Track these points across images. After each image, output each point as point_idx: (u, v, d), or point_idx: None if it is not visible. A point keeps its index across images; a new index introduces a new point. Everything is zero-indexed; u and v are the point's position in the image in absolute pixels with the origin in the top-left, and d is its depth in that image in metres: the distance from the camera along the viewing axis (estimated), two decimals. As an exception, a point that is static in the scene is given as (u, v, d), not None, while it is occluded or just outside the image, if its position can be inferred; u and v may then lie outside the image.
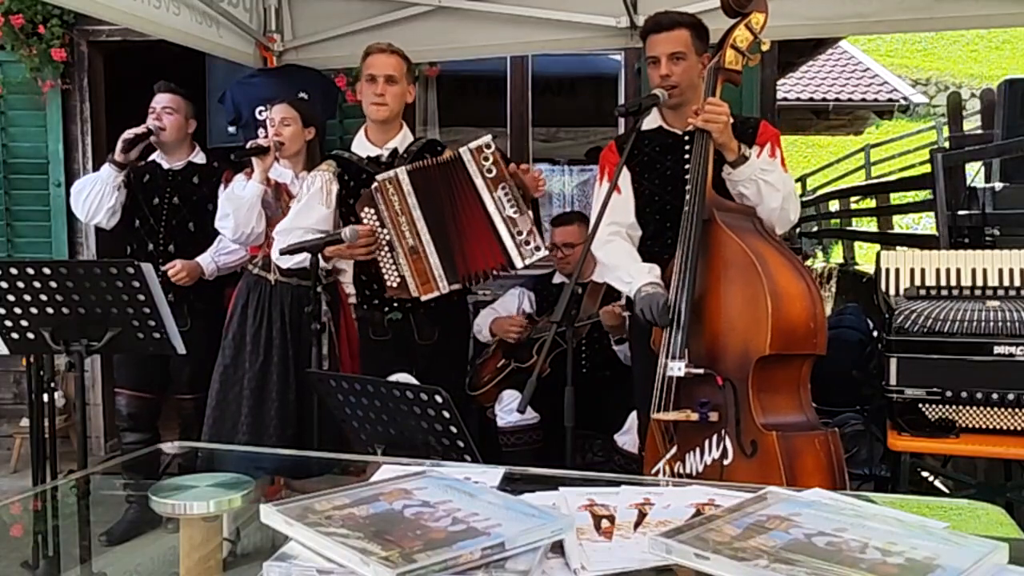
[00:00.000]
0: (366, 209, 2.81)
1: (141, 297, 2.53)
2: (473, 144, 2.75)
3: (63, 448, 3.90)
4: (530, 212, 2.79)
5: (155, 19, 3.27)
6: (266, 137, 3.26)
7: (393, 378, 2.48)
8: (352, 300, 3.22)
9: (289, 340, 3.27)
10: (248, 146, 3.21)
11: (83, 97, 4.79)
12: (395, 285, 2.83)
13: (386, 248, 2.81)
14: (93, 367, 4.77)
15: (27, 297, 2.54)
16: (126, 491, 1.80)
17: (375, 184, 2.79)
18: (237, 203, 3.20)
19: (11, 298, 2.55)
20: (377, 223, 2.80)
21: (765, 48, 2.46)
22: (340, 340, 3.34)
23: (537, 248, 2.78)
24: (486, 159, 2.73)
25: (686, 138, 2.56)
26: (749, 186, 2.42)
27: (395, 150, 2.95)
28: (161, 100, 3.56)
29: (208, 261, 3.50)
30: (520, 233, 2.76)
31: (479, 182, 2.74)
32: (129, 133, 3.47)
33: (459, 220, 2.79)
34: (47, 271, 2.51)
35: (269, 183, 3.28)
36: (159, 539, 1.40)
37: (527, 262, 2.81)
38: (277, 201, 3.29)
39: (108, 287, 2.52)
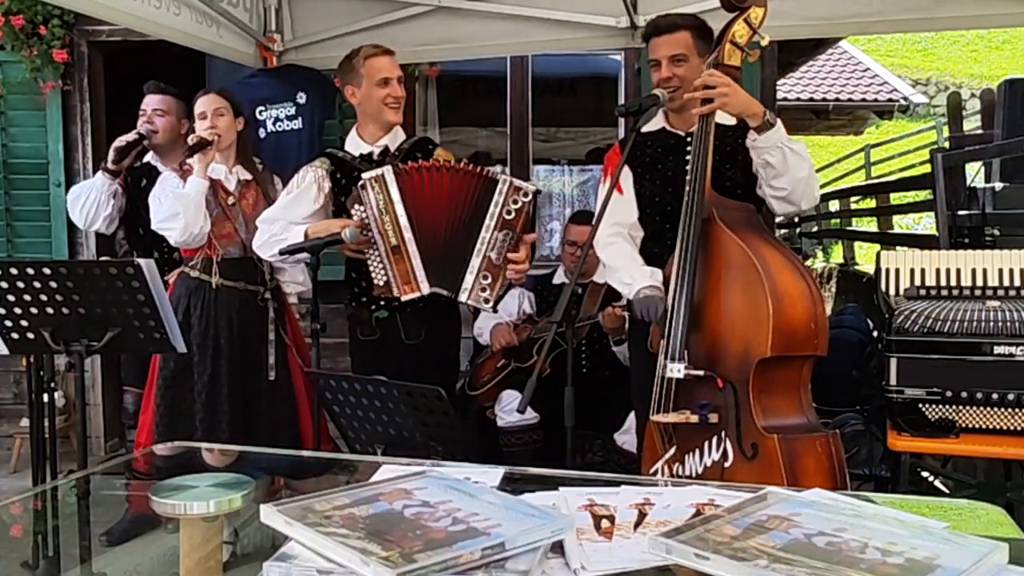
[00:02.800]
0: (356, 207, 2.82)
1: (141, 297, 2.52)
2: (517, 182, 2.75)
3: (63, 448, 3.90)
4: (504, 276, 2.78)
5: (155, 19, 3.26)
6: (205, 131, 3.13)
7: None
8: (292, 300, 3.31)
9: (236, 348, 3.15)
10: (190, 142, 3.10)
11: (83, 97, 4.80)
12: (382, 284, 2.83)
13: (374, 246, 2.82)
14: (93, 367, 4.78)
15: (27, 297, 2.54)
16: (126, 491, 1.80)
17: (361, 182, 2.79)
18: (186, 200, 3.04)
19: (11, 298, 2.55)
20: (366, 221, 2.81)
21: (764, 43, 2.43)
22: (289, 344, 3.29)
23: (487, 301, 2.79)
24: (515, 201, 2.72)
25: (688, 139, 2.56)
26: (775, 154, 2.37)
27: (386, 148, 2.95)
28: (151, 102, 3.52)
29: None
30: (485, 278, 2.77)
31: (493, 211, 2.74)
32: (120, 141, 3.44)
33: (450, 230, 2.79)
34: (47, 271, 2.51)
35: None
36: (159, 539, 1.40)
37: (469, 303, 2.82)
38: (215, 199, 3.16)
39: (108, 287, 2.52)
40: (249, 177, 3.26)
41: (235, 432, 3.11)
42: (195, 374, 3.14)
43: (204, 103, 3.16)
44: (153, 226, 3.15)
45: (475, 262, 2.76)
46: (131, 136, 3.47)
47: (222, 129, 3.14)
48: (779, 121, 2.40)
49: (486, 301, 2.79)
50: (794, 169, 2.39)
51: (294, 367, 3.28)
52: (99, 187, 3.47)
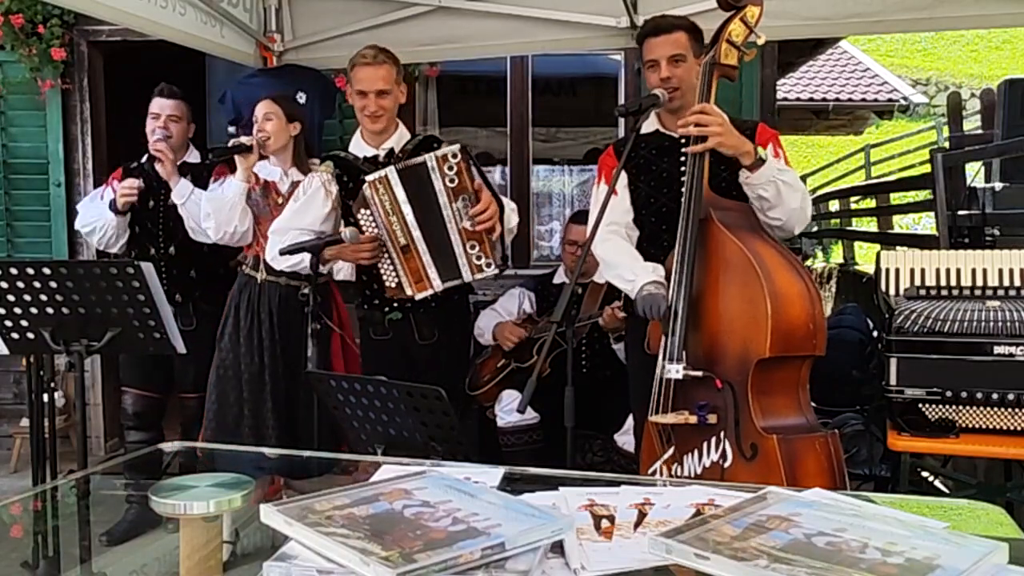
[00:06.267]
0: (362, 211, 2.82)
1: (141, 297, 2.53)
2: (440, 151, 2.77)
3: (63, 448, 3.90)
4: (488, 235, 2.78)
5: (155, 19, 3.26)
6: (250, 136, 3.24)
7: None
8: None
9: (278, 340, 3.27)
10: (230, 144, 3.20)
11: (83, 97, 4.79)
12: (393, 286, 2.84)
13: (383, 249, 2.82)
14: (93, 367, 4.78)
15: (27, 297, 2.54)
16: (126, 491, 1.80)
17: (365, 185, 2.79)
18: (218, 202, 3.20)
19: (11, 298, 2.55)
20: (373, 224, 2.81)
21: (760, 42, 2.43)
22: (332, 340, 3.33)
23: (488, 265, 2.80)
24: (450, 168, 2.74)
25: (682, 141, 2.55)
26: (768, 188, 2.37)
27: (391, 150, 2.95)
28: (166, 107, 3.53)
29: (187, 186, 3.42)
30: (474, 247, 2.78)
31: (439, 187, 2.76)
32: (131, 191, 3.44)
33: (430, 223, 2.80)
34: (47, 271, 2.51)
35: (257, 181, 3.27)
36: (159, 539, 1.40)
37: (476, 277, 2.83)
38: (265, 199, 3.27)
39: (108, 287, 2.52)
40: (303, 179, 3.30)
41: (280, 422, 3.25)
42: (243, 365, 3.27)
43: (258, 108, 3.27)
44: (187, 225, 3.38)
45: (455, 240, 2.79)
46: (138, 183, 3.48)
47: (269, 132, 3.22)
48: (770, 156, 2.40)
49: (487, 267, 2.81)
50: (788, 200, 2.39)
51: (336, 360, 3.35)
52: (112, 224, 3.50)
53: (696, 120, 2.32)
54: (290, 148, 3.30)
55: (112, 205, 3.47)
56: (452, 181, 2.75)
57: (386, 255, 2.83)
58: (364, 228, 2.83)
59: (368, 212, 2.81)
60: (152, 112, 3.53)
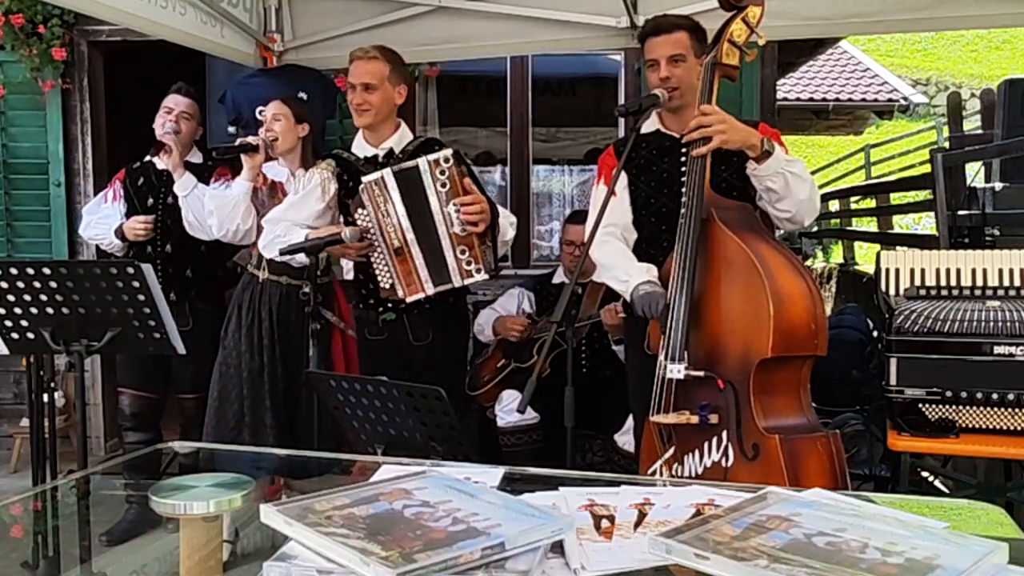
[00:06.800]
0: (359, 211, 2.82)
1: (141, 297, 2.53)
2: (432, 156, 2.77)
3: (63, 448, 3.90)
4: (478, 240, 2.78)
5: (155, 19, 3.27)
6: (257, 135, 3.26)
7: None
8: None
9: (277, 340, 3.28)
10: (237, 143, 3.22)
11: (83, 97, 4.79)
12: (387, 287, 2.84)
13: (379, 249, 2.82)
14: (93, 367, 4.78)
15: (27, 297, 2.54)
16: (126, 491, 1.80)
17: (362, 185, 2.79)
18: (221, 201, 3.24)
19: (11, 298, 2.55)
20: (369, 224, 2.81)
21: (761, 42, 2.44)
22: (332, 339, 3.34)
23: (477, 271, 2.80)
24: (442, 172, 2.74)
25: (683, 140, 2.55)
26: (776, 180, 2.37)
27: (391, 150, 2.95)
28: (181, 103, 3.57)
29: (191, 179, 3.46)
30: (463, 252, 2.78)
31: (431, 193, 2.76)
32: (143, 231, 3.49)
33: (424, 227, 2.81)
34: (47, 271, 2.51)
35: (265, 181, 3.29)
36: (159, 539, 1.40)
37: (465, 283, 2.83)
38: (272, 199, 3.27)
39: (108, 287, 2.52)
40: None
41: (278, 422, 3.26)
42: (243, 364, 3.29)
43: (267, 109, 3.30)
44: (186, 219, 3.44)
45: (446, 245, 2.79)
46: (148, 222, 3.51)
47: (277, 132, 3.25)
48: (776, 146, 2.39)
49: (477, 272, 2.81)
50: (796, 191, 2.39)
51: (337, 359, 3.36)
52: (118, 246, 3.57)
53: (698, 124, 2.32)
54: (298, 150, 3.31)
55: (119, 232, 3.51)
56: (444, 186, 2.74)
57: (381, 256, 2.83)
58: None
59: (365, 212, 2.81)
60: (165, 106, 3.57)
